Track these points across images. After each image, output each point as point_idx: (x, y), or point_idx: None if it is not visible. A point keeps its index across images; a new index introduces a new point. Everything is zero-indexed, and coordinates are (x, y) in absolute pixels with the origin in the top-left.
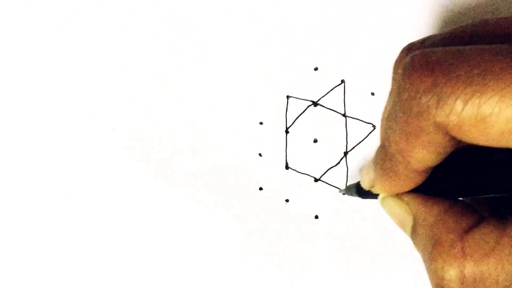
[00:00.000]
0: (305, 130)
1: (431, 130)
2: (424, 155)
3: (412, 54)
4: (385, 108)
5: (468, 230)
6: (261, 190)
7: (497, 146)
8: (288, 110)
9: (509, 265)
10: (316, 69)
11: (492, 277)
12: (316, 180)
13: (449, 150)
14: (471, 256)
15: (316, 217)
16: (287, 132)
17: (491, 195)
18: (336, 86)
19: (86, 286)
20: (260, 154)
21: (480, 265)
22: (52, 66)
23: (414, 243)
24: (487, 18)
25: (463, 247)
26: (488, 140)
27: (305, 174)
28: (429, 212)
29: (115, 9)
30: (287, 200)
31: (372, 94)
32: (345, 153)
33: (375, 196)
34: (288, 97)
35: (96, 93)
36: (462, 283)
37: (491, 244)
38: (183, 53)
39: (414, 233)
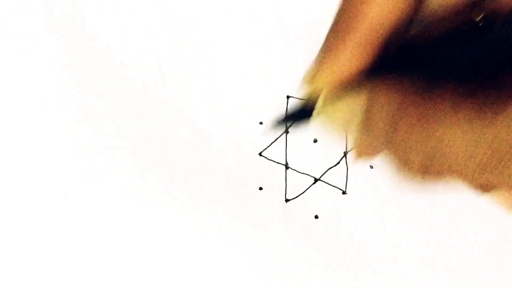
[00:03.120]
0: (305, 130)
1: None
2: (386, 7)
3: None
4: None
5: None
6: (261, 190)
7: None
8: (288, 110)
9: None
10: None
11: None
12: (316, 180)
13: (410, 12)
14: None
15: (316, 217)
16: (287, 132)
17: None
18: None
19: (86, 285)
20: (260, 154)
21: None
22: (53, 66)
23: (369, 133)
24: None
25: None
26: None
27: (305, 174)
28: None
29: (115, 9)
30: (287, 200)
31: None
32: (345, 153)
33: (308, 114)
34: (288, 97)
35: (96, 93)
36: None
37: None
38: (183, 53)
39: (367, 123)
